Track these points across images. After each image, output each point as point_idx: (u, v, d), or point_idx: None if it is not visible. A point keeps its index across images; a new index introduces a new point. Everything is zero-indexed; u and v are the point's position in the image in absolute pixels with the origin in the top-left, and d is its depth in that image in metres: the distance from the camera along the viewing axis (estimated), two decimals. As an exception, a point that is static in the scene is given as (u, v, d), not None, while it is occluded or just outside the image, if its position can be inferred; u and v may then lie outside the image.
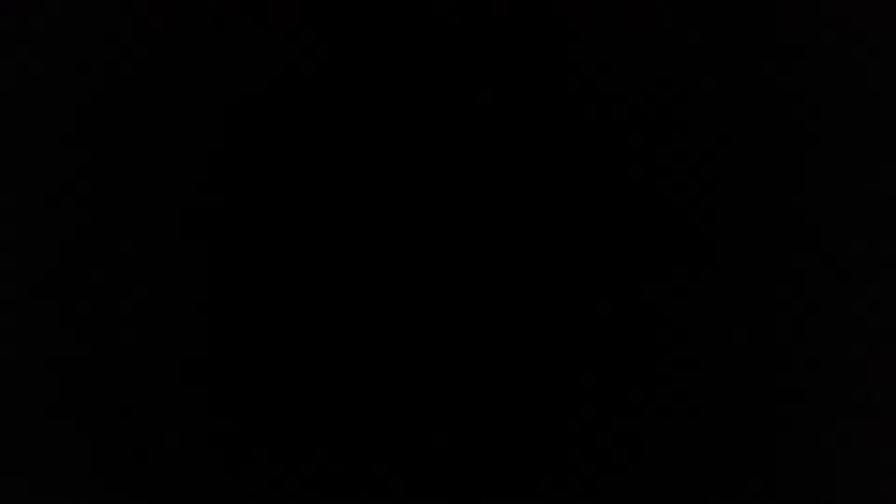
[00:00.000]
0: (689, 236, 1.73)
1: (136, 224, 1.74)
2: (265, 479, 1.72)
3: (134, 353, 1.73)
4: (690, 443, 1.71)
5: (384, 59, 1.75)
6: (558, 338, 1.73)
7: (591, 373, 1.72)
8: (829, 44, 1.75)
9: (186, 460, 1.72)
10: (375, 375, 1.73)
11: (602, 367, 1.72)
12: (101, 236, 1.74)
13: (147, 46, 1.75)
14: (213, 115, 1.75)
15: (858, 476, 1.70)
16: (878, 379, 1.71)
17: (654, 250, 1.73)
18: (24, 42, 1.76)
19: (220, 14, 1.75)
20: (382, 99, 1.75)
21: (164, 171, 1.75)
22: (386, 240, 1.74)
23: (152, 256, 1.74)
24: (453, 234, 1.74)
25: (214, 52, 1.75)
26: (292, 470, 1.72)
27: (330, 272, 1.74)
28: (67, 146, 1.75)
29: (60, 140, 1.75)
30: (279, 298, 1.73)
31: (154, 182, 1.75)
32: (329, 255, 1.74)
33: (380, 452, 1.72)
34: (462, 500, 1.71)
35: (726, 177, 1.74)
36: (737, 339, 1.72)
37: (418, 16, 1.75)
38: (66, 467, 1.72)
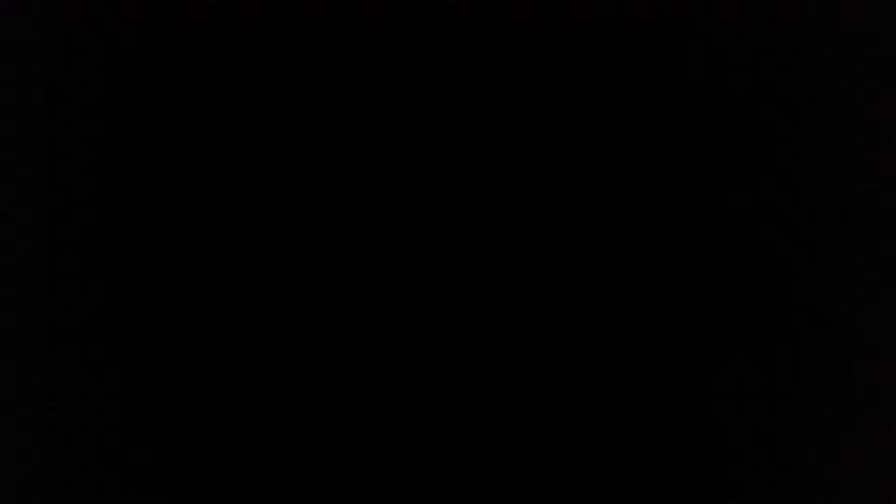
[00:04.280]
0: (688, 235, 1.73)
1: (134, 225, 1.75)
2: (264, 479, 1.72)
3: (133, 353, 1.73)
4: (689, 443, 1.71)
5: (381, 58, 1.76)
6: (556, 337, 1.73)
7: (589, 373, 1.72)
8: (829, 44, 1.75)
9: (185, 461, 1.72)
10: (368, 378, 1.73)
11: (600, 367, 1.72)
12: (99, 237, 1.74)
13: (142, 46, 1.76)
14: (211, 114, 1.75)
15: (858, 476, 1.71)
16: (879, 379, 1.71)
17: (652, 250, 1.73)
18: (24, 42, 1.76)
19: (216, 16, 1.76)
20: (379, 99, 1.76)
21: (162, 171, 1.75)
22: (377, 243, 1.74)
23: (152, 257, 1.74)
24: (448, 236, 1.74)
25: (212, 56, 1.76)
26: (291, 470, 1.72)
27: (328, 274, 1.74)
28: (67, 147, 1.76)
29: (60, 140, 1.76)
30: (276, 300, 1.74)
31: (152, 182, 1.75)
32: (327, 257, 1.74)
33: (377, 453, 1.72)
34: (459, 500, 1.72)
35: (723, 176, 1.74)
36: (736, 339, 1.72)
37: (413, 15, 1.76)
38: (66, 469, 1.73)
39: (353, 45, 1.76)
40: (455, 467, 1.72)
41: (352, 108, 1.76)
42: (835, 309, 1.73)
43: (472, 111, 1.76)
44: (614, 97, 1.75)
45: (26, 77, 1.76)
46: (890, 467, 1.70)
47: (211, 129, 1.75)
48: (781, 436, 1.71)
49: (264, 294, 1.74)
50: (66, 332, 1.74)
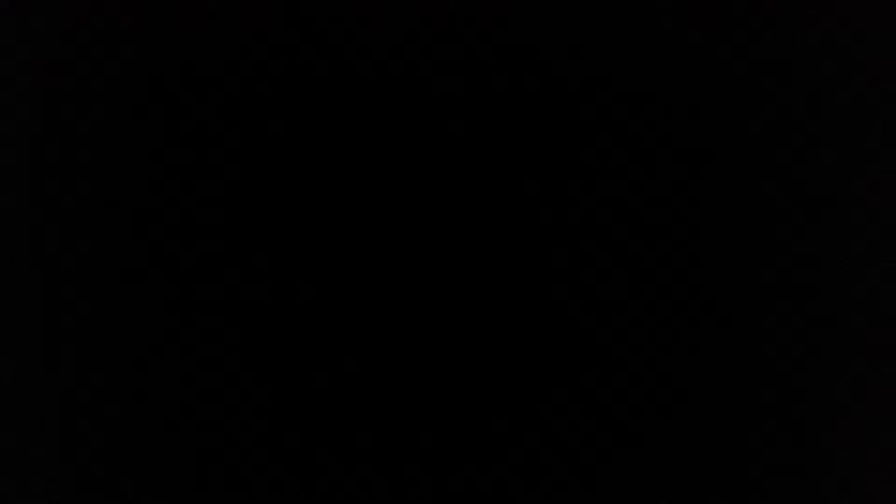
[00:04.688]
0: (688, 235, 1.73)
1: (134, 224, 1.74)
2: (265, 480, 1.72)
3: (132, 353, 1.73)
4: (689, 443, 1.71)
5: (380, 57, 1.76)
6: (556, 336, 1.73)
7: (588, 373, 1.72)
8: (829, 44, 1.76)
9: (185, 461, 1.72)
10: (362, 379, 1.73)
11: (600, 367, 1.72)
12: (98, 236, 1.74)
13: (139, 46, 1.76)
14: (211, 114, 1.75)
15: (858, 476, 1.71)
16: (878, 379, 1.72)
17: (652, 250, 1.73)
18: (24, 42, 1.76)
19: (215, 14, 1.76)
20: (377, 98, 1.76)
21: (161, 171, 1.75)
22: (378, 245, 1.74)
23: (151, 257, 1.74)
24: (445, 236, 1.74)
25: (211, 51, 1.75)
26: (291, 470, 1.72)
27: (329, 275, 1.74)
28: (67, 146, 1.75)
29: (61, 140, 1.75)
30: (278, 299, 1.74)
31: (152, 182, 1.75)
32: (329, 258, 1.74)
33: (375, 453, 1.72)
34: (457, 500, 1.71)
35: (726, 176, 1.74)
36: (737, 339, 1.72)
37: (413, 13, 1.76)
38: (65, 468, 1.72)
39: (353, 45, 1.76)
40: (455, 468, 1.72)
41: (350, 108, 1.76)
42: (835, 309, 1.73)
43: (470, 110, 1.75)
44: (612, 96, 1.75)
45: (26, 77, 1.76)
46: (890, 467, 1.70)
47: (210, 129, 1.75)
48: (781, 436, 1.71)
49: (266, 294, 1.74)
50: (66, 332, 1.73)
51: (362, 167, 1.75)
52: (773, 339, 1.72)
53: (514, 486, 1.72)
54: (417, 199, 1.75)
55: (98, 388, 1.73)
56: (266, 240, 1.74)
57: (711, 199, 1.74)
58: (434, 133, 1.75)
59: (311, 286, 1.74)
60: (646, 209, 1.73)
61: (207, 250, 1.74)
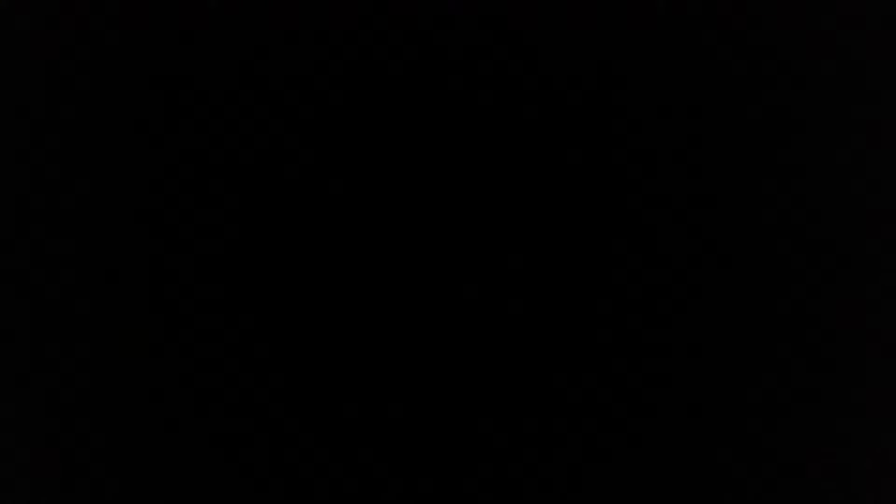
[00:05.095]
0: (688, 235, 1.73)
1: (132, 222, 1.74)
2: (264, 479, 1.72)
3: (132, 353, 1.73)
4: (689, 443, 1.71)
5: (380, 55, 1.76)
6: (557, 338, 1.73)
7: (589, 373, 1.72)
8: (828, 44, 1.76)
9: (185, 461, 1.72)
10: (362, 379, 1.73)
11: (600, 366, 1.72)
12: (97, 236, 1.74)
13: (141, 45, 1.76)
14: (211, 114, 1.75)
15: (858, 476, 1.71)
16: (878, 379, 1.72)
17: (653, 250, 1.73)
18: (24, 42, 1.76)
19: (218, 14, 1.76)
20: (377, 97, 1.76)
21: (161, 171, 1.75)
22: (379, 245, 1.74)
23: (151, 257, 1.74)
24: (445, 237, 1.74)
25: (214, 52, 1.75)
26: (291, 470, 1.72)
27: (329, 275, 1.74)
28: (67, 146, 1.75)
29: (58, 140, 1.75)
30: (273, 299, 1.74)
31: (152, 183, 1.75)
32: (328, 257, 1.74)
33: (375, 452, 1.72)
34: (458, 501, 1.71)
35: (726, 175, 1.74)
36: (737, 339, 1.72)
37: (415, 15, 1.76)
38: (64, 467, 1.72)
39: (353, 45, 1.76)
40: (454, 468, 1.72)
41: (350, 108, 1.76)
42: (835, 309, 1.73)
43: (470, 109, 1.76)
44: (612, 96, 1.75)
45: (26, 77, 1.76)
46: (890, 467, 1.70)
47: (210, 129, 1.75)
48: (781, 436, 1.71)
49: (266, 294, 1.74)
50: (64, 333, 1.73)
51: (362, 167, 1.75)
52: (773, 339, 1.72)
53: (513, 486, 1.72)
54: (417, 199, 1.75)
55: (97, 388, 1.73)
56: (266, 239, 1.74)
57: (712, 198, 1.74)
58: (433, 133, 1.75)
59: (311, 286, 1.74)
60: (646, 209, 1.74)
61: (207, 250, 1.74)
